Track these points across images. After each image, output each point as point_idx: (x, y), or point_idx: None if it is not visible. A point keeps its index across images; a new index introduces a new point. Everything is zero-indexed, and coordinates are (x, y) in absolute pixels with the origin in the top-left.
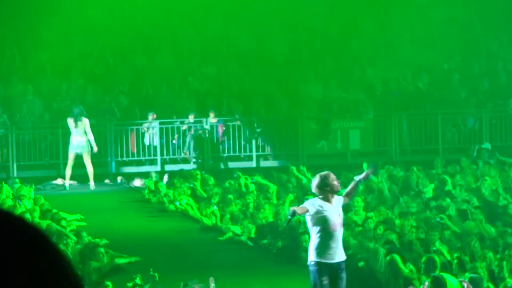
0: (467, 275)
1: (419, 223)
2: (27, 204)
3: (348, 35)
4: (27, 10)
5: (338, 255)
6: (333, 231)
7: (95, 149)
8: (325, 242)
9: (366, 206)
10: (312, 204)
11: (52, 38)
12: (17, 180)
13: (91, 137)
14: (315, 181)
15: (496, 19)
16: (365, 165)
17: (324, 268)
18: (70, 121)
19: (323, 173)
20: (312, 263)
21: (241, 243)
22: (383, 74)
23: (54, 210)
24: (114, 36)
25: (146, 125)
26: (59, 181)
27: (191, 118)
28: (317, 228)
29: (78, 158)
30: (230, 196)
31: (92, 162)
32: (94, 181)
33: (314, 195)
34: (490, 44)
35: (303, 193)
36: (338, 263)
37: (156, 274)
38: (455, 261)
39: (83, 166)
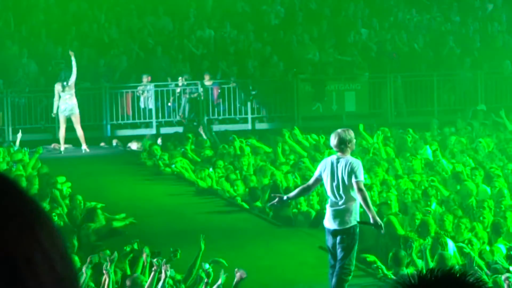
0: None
1: (415, 185)
2: (21, 168)
3: None
4: None
5: (332, 222)
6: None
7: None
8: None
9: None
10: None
11: (47, 1)
12: (12, 143)
13: (74, 101)
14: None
15: None
16: (361, 127)
17: (327, 233)
18: (58, 86)
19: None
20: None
21: (237, 206)
22: (378, 35)
23: (44, 171)
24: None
25: (141, 88)
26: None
27: (182, 80)
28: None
29: (70, 121)
30: (225, 159)
31: (88, 126)
32: (88, 144)
33: (309, 159)
34: (485, 5)
35: (299, 156)
36: (334, 230)
37: (178, 251)
38: (454, 223)
39: None
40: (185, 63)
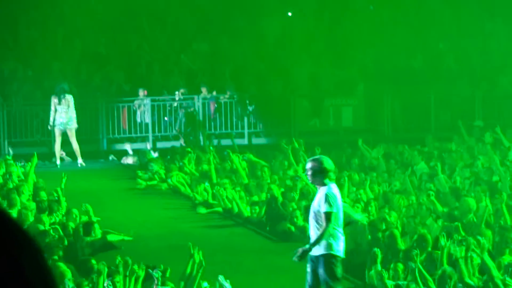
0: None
1: (411, 200)
2: (16, 180)
3: (341, 15)
4: None
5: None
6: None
7: (75, 125)
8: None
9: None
10: None
11: (45, 16)
12: (7, 157)
13: (74, 114)
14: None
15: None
16: (360, 141)
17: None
18: (54, 99)
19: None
20: None
21: (233, 219)
22: (376, 53)
23: (40, 185)
24: (106, 13)
25: (137, 102)
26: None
27: (179, 94)
28: None
29: (66, 135)
30: (221, 174)
31: (84, 140)
32: (84, 158)
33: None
34: (484, 23)
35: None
36: (315, 256)
37: (168, 270)
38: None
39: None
40: (182, 77)
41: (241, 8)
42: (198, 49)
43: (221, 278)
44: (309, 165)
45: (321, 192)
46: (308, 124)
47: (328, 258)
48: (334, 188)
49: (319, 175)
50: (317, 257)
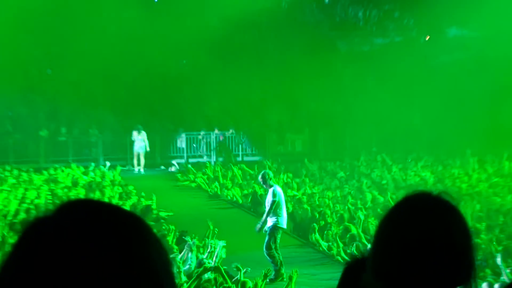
0: None
1: (335, 193)
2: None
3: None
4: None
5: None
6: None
7: (148, 149)
8: None
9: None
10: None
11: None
12: (102, 166)
13: (146, 142)
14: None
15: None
16: (306, 160)
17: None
18: (135, 133)
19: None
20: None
21: (232, 204)
22: (315, 106)
23: (130, 188)
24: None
25: (178, 137)
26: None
27: (202, 133)
28: None
29: (139, 155)
30: (226, 177)
31: (147, 157)
32: (144, 167)
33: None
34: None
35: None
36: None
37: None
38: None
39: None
40: (203, 120)
41: (234, 76)
42: (214, 105)
43: (221, 242)
44: (259, 177)
45: (270, 190)
46: (276, 149)
47: (274, 228)
48: (277, 187)
49: (267, 181)
50: (269, 227)
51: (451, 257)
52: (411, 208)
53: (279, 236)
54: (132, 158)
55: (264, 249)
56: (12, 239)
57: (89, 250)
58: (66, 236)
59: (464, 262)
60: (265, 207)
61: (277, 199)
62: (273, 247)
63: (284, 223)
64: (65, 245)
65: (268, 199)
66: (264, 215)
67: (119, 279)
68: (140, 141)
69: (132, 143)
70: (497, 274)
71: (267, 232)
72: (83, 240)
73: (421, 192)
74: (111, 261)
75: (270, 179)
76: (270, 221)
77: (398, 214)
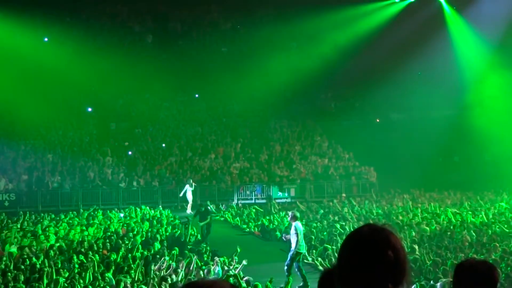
0: None
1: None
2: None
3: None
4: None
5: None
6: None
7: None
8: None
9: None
10: None
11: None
12: (159, 207)
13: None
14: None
15: None
16: (297, 203)
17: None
18: (187, 185)
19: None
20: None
21: (248, 232)
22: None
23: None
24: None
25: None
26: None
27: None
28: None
29: (187, 200)
30: (244, 214)
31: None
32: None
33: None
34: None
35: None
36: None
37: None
38: None
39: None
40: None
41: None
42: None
43: (245, 260)
44: (290, 215)
45: (293, 224)
46: (277, 195)
47: (295, 253)
48: (299, 223)
49: (293, 218)
50: (292, 250)
51: (386, 266)
52: (361, 234)
53: (300, 257)
54: (181, 202)
55: (285, 265)
56: (98, 257)
57: None
58: None
59: (396, 269)
60: (282, 234)
61: (299, 232)
62: (289, 264)
63: (303, 249)
64: None
65: (292, 232)
66: (294, 243)
67: None
68: (190, 190)
69: (185, 191)
70: (427, 279)
71: (289, 254)
72: None
73: (371, 224)
74: None
75: (297, 217)
76: (293, 245)
77: (353, 238)
